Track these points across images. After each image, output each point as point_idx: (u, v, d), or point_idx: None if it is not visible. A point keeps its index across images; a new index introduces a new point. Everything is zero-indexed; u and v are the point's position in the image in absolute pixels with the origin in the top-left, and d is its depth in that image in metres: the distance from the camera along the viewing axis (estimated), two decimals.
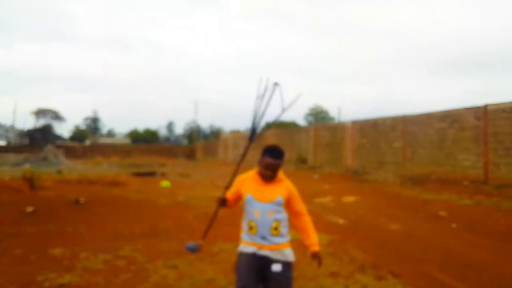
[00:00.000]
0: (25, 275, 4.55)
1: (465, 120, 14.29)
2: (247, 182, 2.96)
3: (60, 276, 4.51)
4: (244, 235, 2.96)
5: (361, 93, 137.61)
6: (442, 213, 8.43)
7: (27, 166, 21.91)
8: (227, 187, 3.03)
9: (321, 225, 6.84)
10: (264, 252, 2.84)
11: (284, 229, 2.90)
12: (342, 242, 6.29)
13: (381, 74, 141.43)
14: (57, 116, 54.45)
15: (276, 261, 2.83)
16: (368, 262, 5.37)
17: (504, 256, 5.78)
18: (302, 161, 24.49)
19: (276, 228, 2.86)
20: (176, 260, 5.24)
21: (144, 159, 41.31)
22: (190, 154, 51.92)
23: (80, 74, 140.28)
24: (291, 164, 24.88)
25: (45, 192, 8.72)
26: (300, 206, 2.98)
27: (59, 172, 17.39)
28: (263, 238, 2.84)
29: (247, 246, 2.93)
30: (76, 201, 7.96)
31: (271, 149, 2.92)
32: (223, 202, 3.01)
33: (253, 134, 3.16)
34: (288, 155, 27.27)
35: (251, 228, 2.88)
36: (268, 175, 2.86)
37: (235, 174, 3.04)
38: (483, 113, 13.44)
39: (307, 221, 2.99)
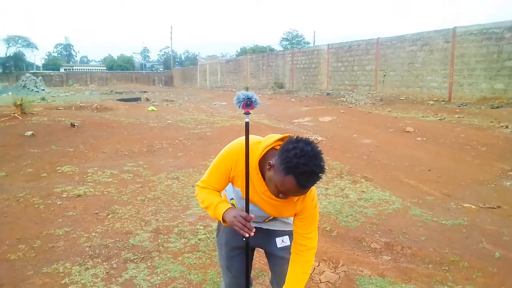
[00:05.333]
0: (42, 189, 5.05)
1: (434, 43, 14.89)
2: (242, 178, 1.63)
3: (75, 188, 5.05)
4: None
5: (336, 16, 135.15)
6: (409, 129, 9.30)
7: (9, 94, 21.73)
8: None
9: None
10: (260, 225, 1.85)
11: None
12: None
13: None
14: (28, 43, 50.99)
15: (281, 234, 1.84)
16: (344, 170, 6.18)
17: (460, 162, 6.71)
18: (279, 86, 24.97)
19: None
20: (177, 173, 5.88)
21: (122, 86, 41.11)
22: (168, 81, 51.38)
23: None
24: (269, 89, 25.34)
25: (38, 117, 8.96)
26: (310, 229, 1.68)
27: (43, 99, 17.54)
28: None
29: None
30: (72, 125, 8.27)
31: (305, 167, 1.36)
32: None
33: None
34: (265, 80, 27.58)
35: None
36: (280, 198, 1.51)
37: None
38: (452, 36, 14.04)
39: (305, 262, 1.69)
